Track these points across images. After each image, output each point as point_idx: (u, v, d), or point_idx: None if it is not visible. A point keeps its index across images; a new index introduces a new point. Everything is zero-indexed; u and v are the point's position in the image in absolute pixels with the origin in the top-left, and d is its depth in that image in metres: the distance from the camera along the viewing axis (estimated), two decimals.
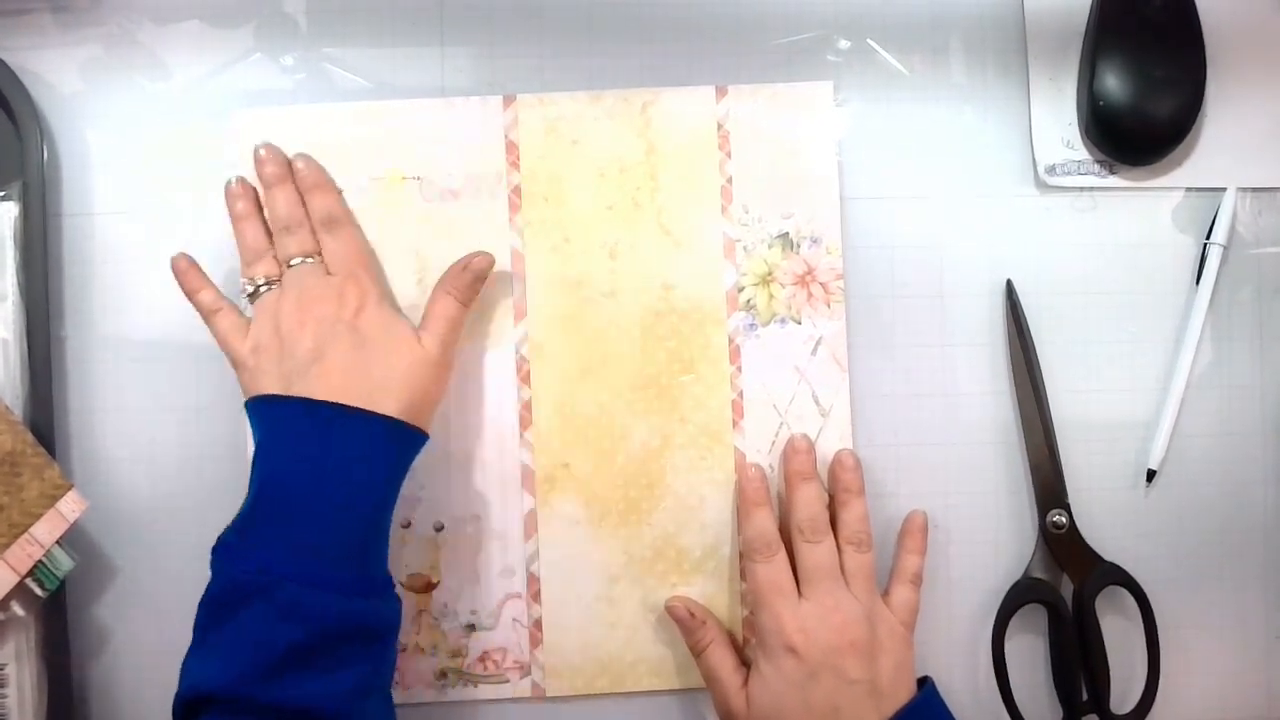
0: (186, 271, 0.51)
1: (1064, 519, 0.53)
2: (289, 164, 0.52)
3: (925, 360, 0.54)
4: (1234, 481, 0.55)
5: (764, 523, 0.51)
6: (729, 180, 0.54)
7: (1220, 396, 0.55)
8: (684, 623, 0.52)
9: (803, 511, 0.51)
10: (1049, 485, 0.53)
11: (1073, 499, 0.53)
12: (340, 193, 0.53)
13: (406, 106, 0.54)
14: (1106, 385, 0.54)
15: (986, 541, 0.54)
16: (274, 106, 0.54)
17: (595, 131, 0.54)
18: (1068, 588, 0.53)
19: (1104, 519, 0.54)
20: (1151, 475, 0.54)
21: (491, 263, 0.51)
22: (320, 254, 0.51)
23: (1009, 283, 0.54)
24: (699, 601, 0.53)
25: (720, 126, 0.54)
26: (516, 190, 0.54)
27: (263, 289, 0.50)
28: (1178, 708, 0.54)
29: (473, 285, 0.51)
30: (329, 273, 0.50)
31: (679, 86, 0.54)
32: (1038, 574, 0.53)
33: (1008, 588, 0.53)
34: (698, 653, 0.52)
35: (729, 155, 0.54)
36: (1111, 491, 0.54)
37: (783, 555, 0.50)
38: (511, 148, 0.54)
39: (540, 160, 0.54)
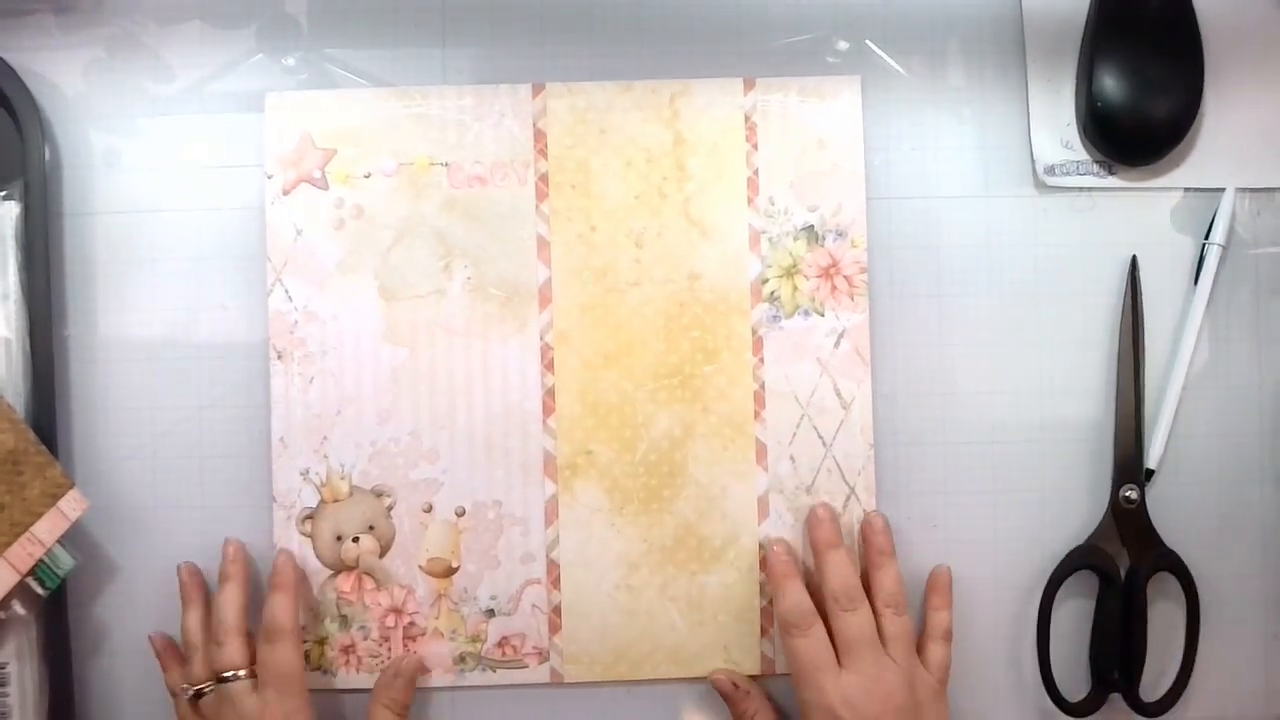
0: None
1: (1136, 494, 0.53)
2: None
3: (924, 359, 0.54)
4: (1231, 481, 0.55)
5: (798, 596, 0.50)
6: (755, 172, 0.54)
7: (1218, 396, 0.55)
8: (728, 695, 0.52)
9: (836, 580, 0.50)
10: (1128, 459, 0.53)
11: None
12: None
13: (435, 92, 0.54)
14: (1102, 385, 0.54)
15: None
16: (307, 90, 0.54)
17: (623, 121, 0.54)
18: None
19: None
20: (1150, 474, 0.54)
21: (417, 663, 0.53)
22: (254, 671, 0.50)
23: (1133, 259, 0.54)
24: (722, 605, 0.53)
25: (748, 119, 0.54)
26: (544, 178, 0.54)
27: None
28: (1174, 706, 0.54)
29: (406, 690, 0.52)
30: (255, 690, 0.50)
31: (707, 79, 0.54)
32: (1100, 543, 0.53)
33: (1068, 551, 0.53)
34: None
35: (756, 147, 0.54)
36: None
37: (820, 627, 0.50)
38: (540, 136, 0.54)
39: (568, 149, 0.54)
